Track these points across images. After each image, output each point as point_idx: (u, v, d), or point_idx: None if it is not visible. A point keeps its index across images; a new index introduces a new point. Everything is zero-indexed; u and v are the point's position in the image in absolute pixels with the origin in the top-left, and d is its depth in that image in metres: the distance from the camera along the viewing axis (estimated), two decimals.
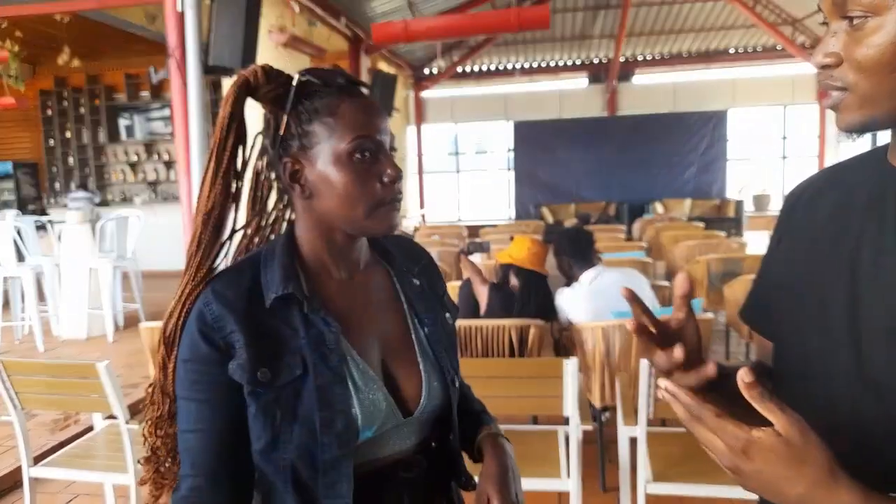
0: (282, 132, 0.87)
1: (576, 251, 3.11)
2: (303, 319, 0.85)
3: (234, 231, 0.92)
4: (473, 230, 8.76)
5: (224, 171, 0.87)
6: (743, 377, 0.60)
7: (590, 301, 2.96)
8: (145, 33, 7.39)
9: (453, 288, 3.65)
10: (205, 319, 0.83)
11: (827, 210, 0.78)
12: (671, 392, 0.66)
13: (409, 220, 11.72)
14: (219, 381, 0.82)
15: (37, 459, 2.44)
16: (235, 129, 0.87)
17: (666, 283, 3.89)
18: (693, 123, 12.24)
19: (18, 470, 2.49)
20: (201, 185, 0.88)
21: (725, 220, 10.56)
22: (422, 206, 13.66)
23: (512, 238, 3.34)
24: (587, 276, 3.04)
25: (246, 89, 0.86)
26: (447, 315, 1.01)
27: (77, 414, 3.67)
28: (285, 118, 0.87)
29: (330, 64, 9.77)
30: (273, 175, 0.93)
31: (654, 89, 13.08)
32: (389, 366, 0.91)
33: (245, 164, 0.91)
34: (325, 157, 0.85)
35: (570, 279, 3.18)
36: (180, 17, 5.14)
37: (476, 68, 13.31)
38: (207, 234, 0.87)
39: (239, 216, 0.92)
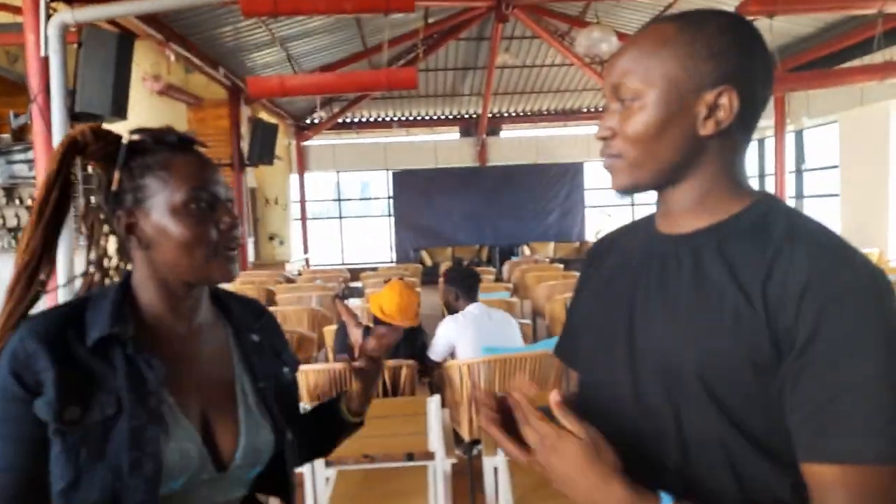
0: (114, 187, 0.89)
1: (464, 286, 3.46)
2: (125, 360, 0.85)
3: (44, 284, 0.91)
4: (355, 273, 8.89)
5: (45, 225, 0.89)
6: (553, 397, 0.74)
7: (471, 329, 3.22)
8: (6, 74, 7.00)
9: (331, 331, 3.77)
10: (17, 357, 0.81)
11: (611, 268, 0.90)
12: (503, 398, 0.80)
13: (293, 264, 11.62)
14: (27, 419, 0.80)
15: None
16: (60, 185, 0.89)
17: (528, 322, 4.28)
18: (554, 174, 13.27)
19: None
20: (21, 237, 0.89)
21: (583, 260, 11.36)
22: (305, 251, 13.58)
23: (386, 282, 3.45)
24: (471, 308, 3.35)
25: (74, 148, 0.88)
26: (285, 370, 1.06)
27: None
28: (117, 174, 0.89)
29: (208, 112, 9.70)
30: (108, 229, 0.95)
31: (519, 142, 13.99)
32: (209, 419, 0.91)
33: (64, 218, 0.92)
34: (160, 209, 0.87)
35: (451, 310, 3.50)
36: (44, 62, 4.94)
37: (356, 119, 13.64)
38: (21, 284, 0.88)
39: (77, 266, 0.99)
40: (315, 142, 13.56)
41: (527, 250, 12.28)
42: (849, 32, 7.99)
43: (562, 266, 8.29)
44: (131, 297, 0.91)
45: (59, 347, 0.82)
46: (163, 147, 0.90)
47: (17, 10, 5.07)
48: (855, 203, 8.66)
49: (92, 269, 0.97)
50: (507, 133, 14.13)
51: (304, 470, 2.31)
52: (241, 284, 6.97)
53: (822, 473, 0.68)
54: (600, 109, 13.48)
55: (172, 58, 6.54)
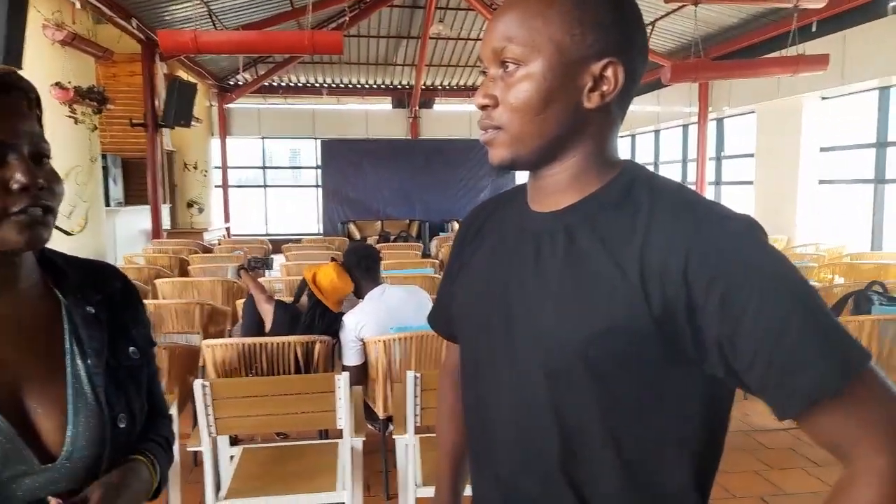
0: None
1: (363, 267, 3.18)
2: None
3: None
4: (277, 245, 8.63)
5: None
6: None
7: (375, 316, 3.04)
8: None
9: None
10: None
11: (487, 248, 0.87)
12: None
13: (212, 232, 11.16)
14: None
15: None
16: None
17: None
18: (485, 150, 13.23)
19: None
20: None
21: (459, 231, 11.54)
22: (226, 219, 13.08)
23: (333, 259, 3.34)
24: (374, 294, 3.13)
25: None
26: (132, 349, 0.93)
27: None
28: None
29: (120, 68, 9.07)
30: None
31: (452, 116, 13.94)
32: (28, 406, 0.81)
33: None
34: None
35: (357, 294, 3.27)
36: None
37: (283, 83, 13.14)
38: None
39: None
40: (239, 105, 13.02)
41: (457, 226, 12.25)
42: (769, 25, 8.30)
43: None
44: None
45: None
46: None
47: None
48: (767, 191, 9.08)
49: None
50: (440, 106, 14.00)
51: (204, 448, 2.19)
52: (154, 253, 6.63)
53: (810, 419, 0.66)
54: None
55: (77, 4, 6.04)
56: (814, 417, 0.66)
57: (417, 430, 2.40)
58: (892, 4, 6.88)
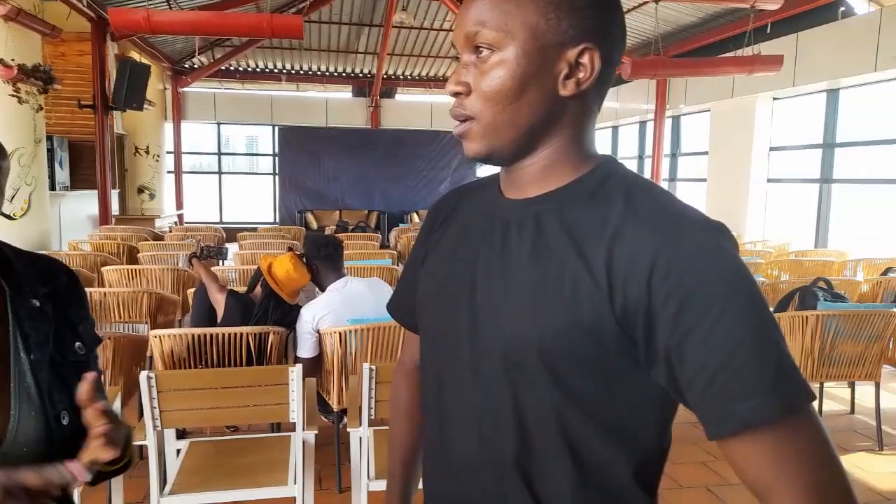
0: None
1: (323, 257, 3.10)
2: None
3: None
4: (232, 233, 8.44)
5: None
6: None
7: (334, 309, 2.98)
8: None
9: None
10: None
11: (454, 235, 0.85)
12: None
13: (164, 219, 10.85)
14: None
15: None
16: None
17: None
18: (447, 141, 13.24)
19: None
20: None
21: (426, 218, 11.59)
22: (179, 206, 12.73)
23: (290, 249, 3.24)
24: (336, 286, 3.05)
25: None
26: (78, 345, 0.93)
27: None
28: None
29: (69, 46, 8.70)
30: None
31: (414, 107, 13.86)
32: None
33: None
34: None
35: (318, 286, 3.21)
36: None
37: (241, 68, 12.84)
38: None
39: None
40: (194, 89, 12.66)
41: (416, 217, 12.22)
42: (726, 25, 8.49)
43: None
44: None
45: None
46: None
47: None
48: (720, 188, 9.31)
49: None
50: (402, 96, 13.90)
51: (149, 442, 2.11)
52: (101, 240, 6.40)
53: (737, 445, 0.65)
54: None
55: None
56: (742, 445, 0.64)
57: (372, 423, 2.38)
58: (842, 9, 7.12)
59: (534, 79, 0.71)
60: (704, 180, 9.72)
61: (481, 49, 0.71)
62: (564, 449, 0.71)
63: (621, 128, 12.70)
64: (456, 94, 0.74)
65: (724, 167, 9.17)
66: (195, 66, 12.11)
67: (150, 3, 8.02)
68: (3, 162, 0.82)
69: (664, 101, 10.39)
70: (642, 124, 11.92)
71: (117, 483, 2.33)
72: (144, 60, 9.67)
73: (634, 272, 0.66)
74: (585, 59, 0.71)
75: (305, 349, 2.98)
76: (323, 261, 3.11)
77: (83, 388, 0.78)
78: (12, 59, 6.17)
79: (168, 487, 2.16)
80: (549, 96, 0.72)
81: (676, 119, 10.96)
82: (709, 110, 9.65)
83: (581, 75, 0.71)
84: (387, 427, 2.53)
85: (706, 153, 9.75)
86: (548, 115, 0.73)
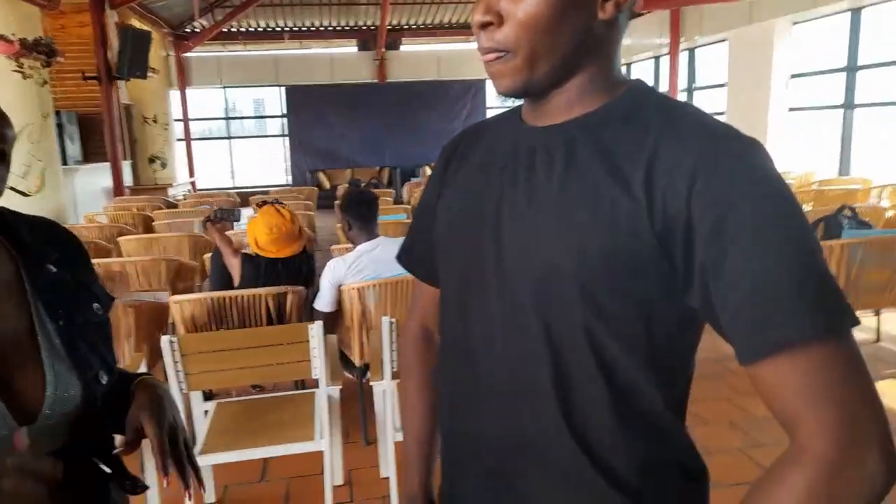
0: None
1: (358, 215, 2.96)
2: None
3: None
4: (245, 197, 8.45)
5: None
6: None
7: (361, 271, 2.91)
8: None
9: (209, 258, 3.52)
10: None
11: (474, 167, 0.81)
12: None
13: (177, 188, 10.89)
14: None
15: None
16: None
17: None
18: (456, 91, 12.99)
19: None
20: None
21: (440, 157, 11.49)
22: (191, 173, 12.74)
23: (259, 206, 3.12)
24: (365, 247, 2.94)
25: None
26: (95, 305, 0.92)
27: None
28: None
29: (69, 18, 8.59)
30: None
31: (420, 58, 13.52)
32: (4, 369, 0.81)
33: None
34: None
35: (350, 240, 3.12)
36: None
37: (243, 28, 12.61)
38: None
39: None
40: (197, 53, 12.49)
41: (428, 171, 12.12)
42: None
43: None
44: None
45: None
46: None
47: None
48: (738, 120, 9.05)
49: None
50: (407, 47, 13.59)
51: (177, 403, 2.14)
52: (116, 211, 6.44)
53: (769, 369, 0.61)
54: None
55: None
56: (774, 368, 0.61)
57: (394, 376, 2.39)
58: None
59: (574, 2, 0.67)
60: (722, 113, 9.46)
61: None
62: (598, 374, 0.69)
63: (634, 65, 12.34)
64: (485, 26, 0.69)
65: (744, 98, 8.89)
66: (196, 31, 11.92)
67: None
68: (8, 130, 0.80)
69: (678, 34, 10.04)
70: (656, 59, 11.57)
71: (147, 447, 2.38)
72: (145, 27, 9.53)
73: (674, 186, 0.64)
74: None
75: (323, 303, 2.95)
76: (355, 218, 2.96)
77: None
78: (12, 34, 6.11)
79: (198, 448, 2.21)
80: (587, 21, 0.68)
81: (692, 52, 10.61)
82: (726, 40, 9.30)
83: None
84: None
85: (723, 85, 9.46)
86: (583, 42, 0.69)
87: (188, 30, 12.05)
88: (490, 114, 12.31)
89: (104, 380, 0.88)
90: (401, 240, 3.21)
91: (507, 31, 0.68)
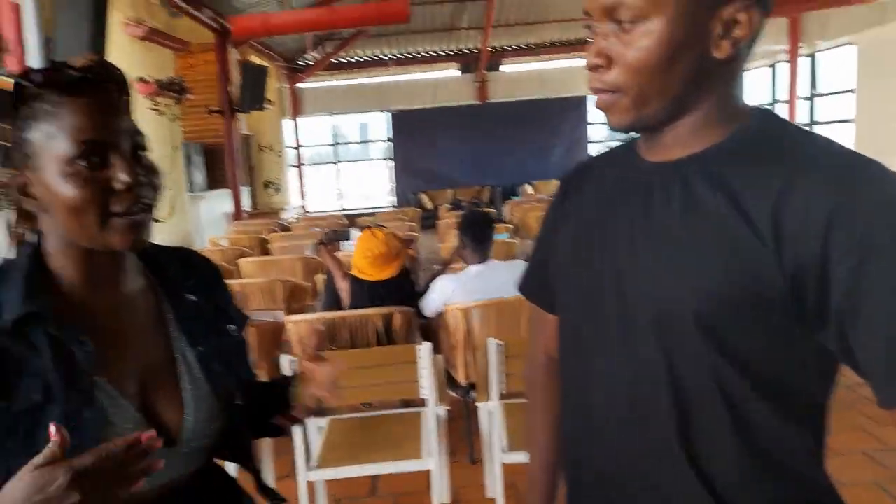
0: (9, 143, 0.79)
1: (473, 236, 3.01)
2: (48, 339, 0.75)
3: None
4: (352, 219, 8.77)
5: None
6: None
7: (469, 292, 2.93)
8: None
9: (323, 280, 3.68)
10: None
11: (592, 201, 0.82)
12: None
13: (290, 211, 11.51)
14: None
15: None
16: None
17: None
18: (557, 108, 12.88)
19: None
20: None
21: (555, 192, 11.21)
22: (302, 197, 13.44)
23: (366, 229, 3.20)
24: (474, 269, 2.98)
25: None
26: (231, 327, 0.95)
27: None
28: (9, 128, 0.79)
29: (196, 58, 9.38)
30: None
31: (521, 77, 13.59)
32: (149, 394, 0.83)
33: None
34: (49, 167, 0.76)
35: (463, 259, 3.17)
36: (16, 9, 4.75)
37: (351, 59, 13.23)
38: None
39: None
40: (308, 84, 13.22)
41: (529, 189, 12.05)
42: None
43: None
44: (45, 267, 0.81)
45: None
46: (51, 90, 0.75)
47: None
48: (872, 129, 8.33)
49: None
50: (508, 67, 13.70)
51: None
52: (236, 234, 6.88)
53: None
54: None
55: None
56: None
57: (501, 397, 2.38)
58: None
59: (685, 45, 0.66)
60: (850, 121, 8.76)
61: (622, 18, 0.66)
62: (725, 412, 0.67)
63: (748, 74, 11.72)
64: (595, 68, 0.70)
65: (877, 105, 8.18)
66: (308, 63, 12.62)
67: (264, 6, 8.43)
68: (158, 179, 0.83)
69: (797, 39, 9.45)
70: (772, 67, 10.93)
71: (266, 458, 2.50)
72: (262, 62, 10.21)
73: (807, 227, 0.61)
74: (743, 16, 0.65)
75: (430, 310, 3.07)
76: (470, 239, 3.00)
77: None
78: (149, 76, 6.75)
79: (314, 462, 2.29)
80: (700, 60, 0.67)
81: (812, 56, 9.94)
82: (852, 44, 8.64)
83: (737, 33, 0.66)
84: (517, 400, 2.55)
85: (850, 91, 8.76)
86: (697, 79, 0.68)
87: (300, 62, 12.79)
88: (594, 130, 12.03)
89: (240, 400, 0.91)
90: (510, 264, 3.22)
91: (616, 74, 0.68)
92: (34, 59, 4.81)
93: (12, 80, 0.78)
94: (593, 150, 13.41)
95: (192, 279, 0.93)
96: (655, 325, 0.69)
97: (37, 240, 0.82)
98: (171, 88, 7.06)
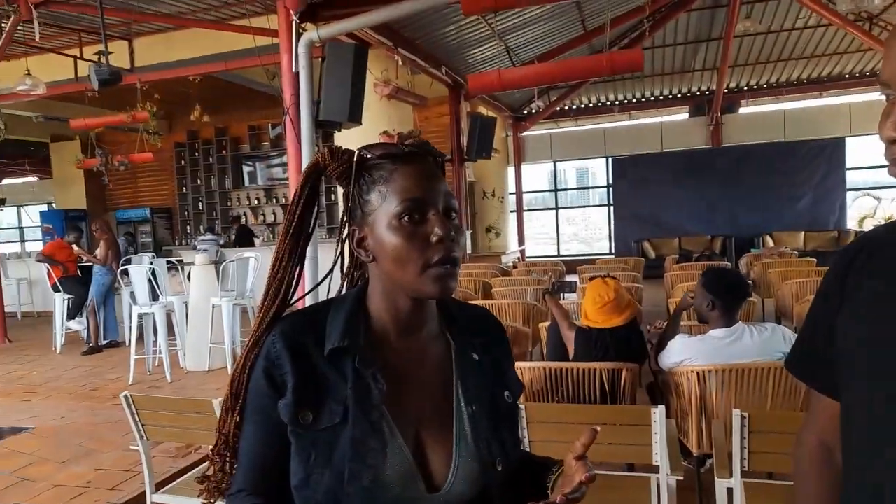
0: (349, 203, 0.93)
1: (725, 300, 2.78)
2: (353, 371, 0.88)
3: (291, 290, 0.97)
4: (570, 265, 8.71)
5: (291, 237, 0.97)
6: None
7: (709, 358, 2.74)
8: (266, 89, 8.12)
9: (545, 328, 3.68)
10: (269, 357, 0.90)
11: (882, 274, 0.77)
12: None
13: (508, 255, 11.82)
14: (271, 414, 0.88)
15: (159, 485, 2.64)
16: (304, 202, 0.96)
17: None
18: (806, 152, 11.56)
19: (143, 495, 2.66)
20: (274, 251, 0.98)
21: (838, 261, 9.84)
22: (521, 242, 13.72)
23: (597, 278, 3.17)
24: (720, 334, 2.78)
25: (315, 170, 0.95)
26: (506, 393, 0.99)
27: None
28: (351, 191, 0.93)
29: (431, 111, 10.23)
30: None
31: (761, 119, 12.54)
32: (423, 439, 0.90)
33: (312, 229, 0.99)
34: (380, 222, 0.89)
35: (699, 317, 2.97)
36: (295, 77, 5.61)
37: (574, 106, 13.37)
38: (272, 291, 0.96)
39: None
40: (532, 132, 13.58)
41: (770, 241, 10.93)
42: None
43: (815, 260, 7.35)
44: (364, 307, 0.94)
45: (300, 353, 0.89)
46: (386, 161, 0.91)
47: (274, 34, 5.83)
48: None
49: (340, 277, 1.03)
50: (746, 109, 12.73)
51: None
52: (462, 277, 7.21)
53: None
54: (867, 74, 11.48)
55: (400, 62, 6.97)
56: None
57: (743, 475, 2.17)
58: None
59: None
60: None
61: None
62: None
63: None
64: (894, 141, 0.66)
65: None
66: (533, 112, 13.02)
67: (496, 61, 8.93)
68: (463, 239, 0.94)
69: None
70: None
71: None
72: (490, 113, 10.77)
73: None
74: None
75: (666, 364, 2.91)
76: (721, 301, 2.78)
77: (584, 439, 0.85)
78: (393, 129, 7.49)
79: None
80: None
81: None
82: None
83: None
84: (757, 479, 2.27)
85: None
86: None
87: (525, 111, 13.24)
88: (851, 176, 10.63)
89: (500, 467, 0.92)
90: (762, 328, 2.90)
91: None
92: (305, 118, 5.63)
93: (358, 153, 0.92)
94: (851, 198, 11.79)
95: (480, 338, 0.99)
96: None
97: (362, 285, 0.97)
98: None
